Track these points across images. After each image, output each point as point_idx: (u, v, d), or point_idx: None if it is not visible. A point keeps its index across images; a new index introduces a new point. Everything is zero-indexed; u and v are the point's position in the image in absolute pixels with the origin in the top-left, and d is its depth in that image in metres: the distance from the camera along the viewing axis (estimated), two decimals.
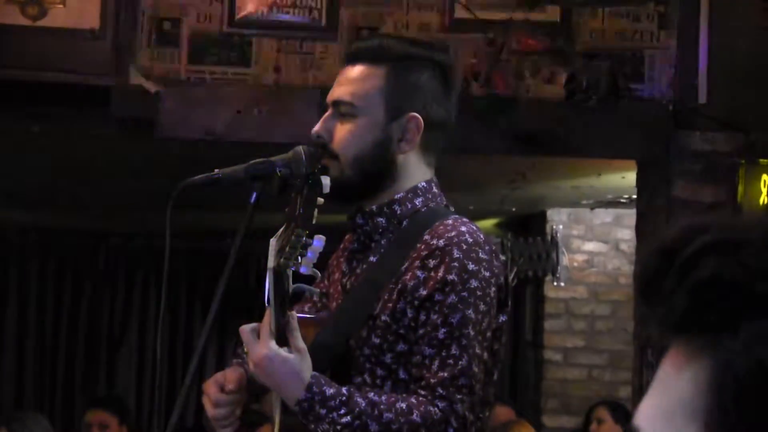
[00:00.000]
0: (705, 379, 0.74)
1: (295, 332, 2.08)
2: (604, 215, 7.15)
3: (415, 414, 2.07)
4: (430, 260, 2.16)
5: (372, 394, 2.11)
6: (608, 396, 6.63)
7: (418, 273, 2.17)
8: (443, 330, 2.12)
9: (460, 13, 4.20)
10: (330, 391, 2.07)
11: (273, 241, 2.07)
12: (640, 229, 4.65)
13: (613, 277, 7.14)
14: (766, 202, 4.12)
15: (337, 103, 2.29)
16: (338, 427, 2.06)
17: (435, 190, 2.31)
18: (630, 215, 6.18)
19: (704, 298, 0.74)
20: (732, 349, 0.73)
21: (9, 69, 3.96)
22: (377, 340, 2.18)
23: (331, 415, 2.06)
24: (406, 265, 2.19)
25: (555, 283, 6.93)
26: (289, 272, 2.06)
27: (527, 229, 7.39)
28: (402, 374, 2.17)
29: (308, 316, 2.34)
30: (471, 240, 2.17)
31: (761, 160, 4.10)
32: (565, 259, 6.90)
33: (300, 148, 2.20)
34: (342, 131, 2.26)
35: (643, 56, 4.27)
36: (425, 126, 2.26)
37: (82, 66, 3.93)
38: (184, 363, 8.65)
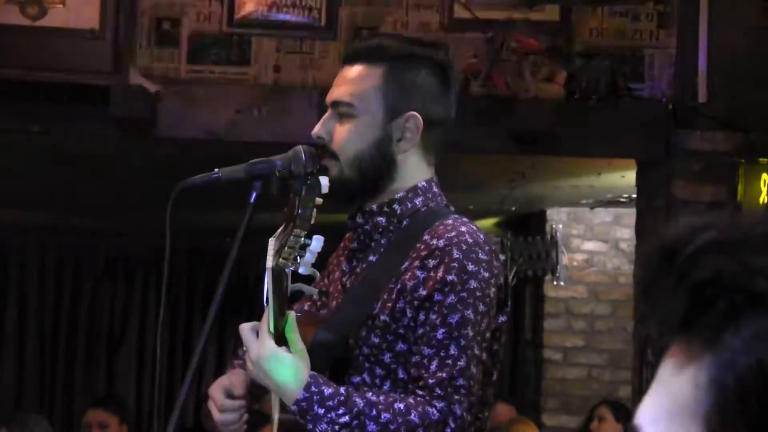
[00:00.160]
0: (706, 378, 0.74)
1: (294, 332, 2.08)
2: (603, 214, 7.15)
3: (413, 414, 2.07)
4: (430, 260, 2.16)
5: (370, 394, 2.11)
6: (608, 395, 6.63)
7: (418, 273, 2.16)
8: (442, 330, 2.12)
9: (459, 12, 4.20)
10: (328, 390, 2.07)
11: (272, 241, 2.07)
12: (639, 229, 4.65)
13: (612, 277, 7.14)
14: (766, 201, 4.12)
15: (336, 104, 2.29)
16: (336, 427, 2.06)
17: (435, 189, 2.31)
18: (630, 214, 6.18)
19: (705, 298, 0.74)
20: (733, 349, 0.73)
21: (9, 69, 3.96)
22: (376, 340, 2.18)
23: (329, 415, 2.06)
24: (406, 264, 2.19)
25: (555, 283, 6.93)
26: (288, 272, 2.06)
27: (527, 228, 7.39)
28: (401, 374, 2.17)
29: (307, 315, 2.34)
30: (471, 240, 2.17)
31: (761, 159, 4.10)
32: (564, 259, 6.90)
33: (300, 148, 2.20)
34: (341, 131, 2.26)
35: (642, 56, 4.27)
36: (425, 125, 2.26)
37: (82, 66, 3.93)
38: (184, 363, 8.65)
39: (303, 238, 2.04)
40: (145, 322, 8.87)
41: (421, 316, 2.14)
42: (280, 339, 2.07)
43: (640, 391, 4.38)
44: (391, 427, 2.06)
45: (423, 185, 2.29)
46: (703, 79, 4.13)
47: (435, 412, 2.08)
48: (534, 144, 4.20)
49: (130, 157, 5.31)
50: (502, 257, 2.41)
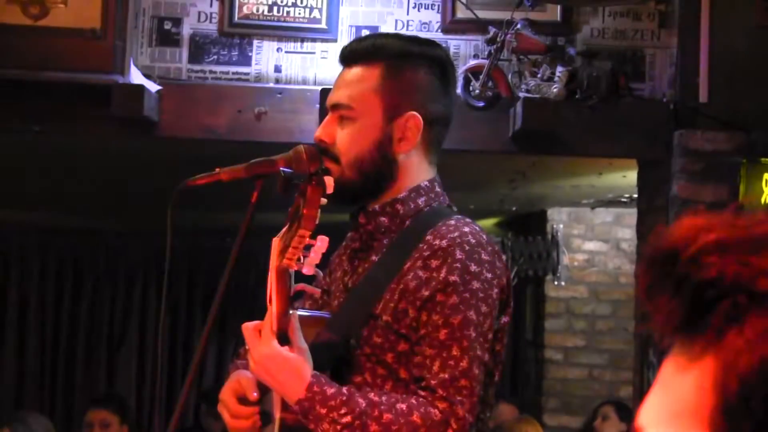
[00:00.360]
0: (709, 378, 0.73)
1: (296, 331, 2.08)
2: (604, 214, 7.15)
3: (415, 415, 2.07)
4: (433, 261, 2.16)
5: (372, 394, 2.11)
6: (609, 395, 6.64)
7: (420, 273, 2.16)
8: (444, 331, 2.12)
9: (460, 12, 4.20)
10: (330, 390, 2.07)
11: (276, 241, 2.07)
12: (640, 229, 4.64)
13: (613, 277, 7.13)
14: (767, 200, 4.12)
15: (335, 107, 2.28)
16: (338, 427, 2.05)
17: (437, 189, 2.31)
18: (631, 214, 6.18)
19: (707, 298, 0.74)
20: (735, 349, 0.72)
21: (10, 68, 3.96)
22: (378, 340, 2.18)
23: (331, 415, 2.06)
24: (409, 264, 2.19)
25: (555, 283, 6.93)
26: (292, 272, 2.06)
27: (528, 228, 7.38)
28: (403, 374, 2.17)
29: (310, 315, 2.34)
30: (474, 241, 2.17)
31: (762, 158, 4.10)
32: (565, 259, 6.90)
33: (301, 147, 2.20)
34: (342, 134, 2.26)
35: (643, 55, 4.27)
36: (425, 124, 2.26)
37: (83, 65, 3.93)
38: (184, 363, 8.65)
39: (307, 238, 2.04)
40: (145, 322, 8.87)
41: (424, 317, 2.14)
42: (283, 338, 2.07)
43: (641, 392, 4.38)
44: (393, 427, 2.06)
45: (425, 185, 2.29)
46: (705, 78, 4.12)
47: (437, 412, 2.08)
48: (534, 144, 4.20)
49: (131, 156, 5.31)
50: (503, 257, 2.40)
